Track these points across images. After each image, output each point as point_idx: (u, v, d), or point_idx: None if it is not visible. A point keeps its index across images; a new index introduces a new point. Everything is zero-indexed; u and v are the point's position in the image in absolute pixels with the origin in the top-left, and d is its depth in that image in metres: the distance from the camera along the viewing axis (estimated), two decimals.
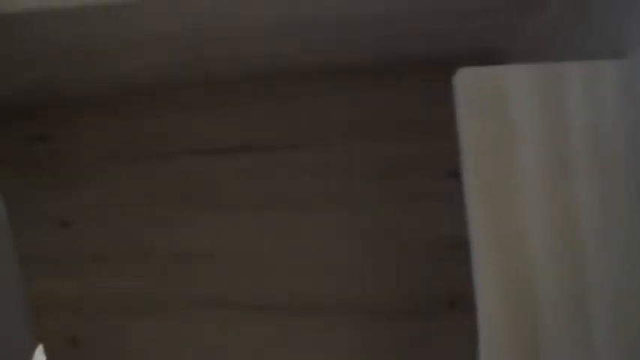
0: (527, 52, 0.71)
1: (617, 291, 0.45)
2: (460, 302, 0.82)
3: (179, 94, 0.85)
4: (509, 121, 0.46)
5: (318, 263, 0.84)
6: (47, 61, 0.67)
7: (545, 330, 0.45)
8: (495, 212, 0.46)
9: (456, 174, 0.84)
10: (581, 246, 0.45)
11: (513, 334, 0.44)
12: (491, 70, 0.47)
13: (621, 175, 0.46)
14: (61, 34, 0.59)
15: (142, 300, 0.85)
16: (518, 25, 0.67)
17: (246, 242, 0.84)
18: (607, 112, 0.46)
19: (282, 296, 0.84)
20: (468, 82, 0.47)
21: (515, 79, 0.46)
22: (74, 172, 0.86)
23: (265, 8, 0.57)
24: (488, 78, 0.47)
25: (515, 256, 0.45)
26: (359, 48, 0.74)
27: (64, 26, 0.57)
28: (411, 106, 0.84)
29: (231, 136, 0.85)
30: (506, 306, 0.45)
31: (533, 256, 0.45)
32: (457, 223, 0.83)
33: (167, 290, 0.85)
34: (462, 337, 0.82)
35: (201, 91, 0.85)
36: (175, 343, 0.84)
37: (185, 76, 0.80)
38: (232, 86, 0.84)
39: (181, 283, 0.84)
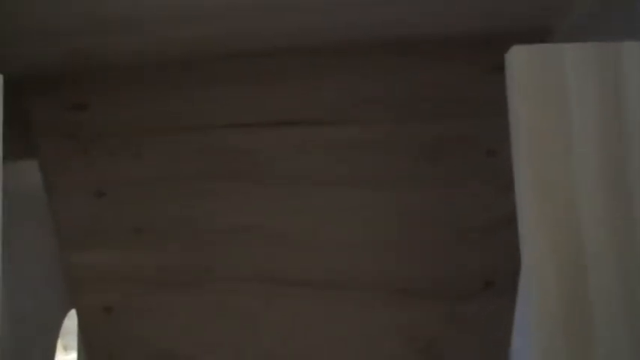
0: (575, 30, 0.70)
1: None
2: (496, 283, 0.82)
3: (220, 67, 0.84)
4: (565, 100, 0.45)
5: (356, 241, 0.83)
6: (90, 31, 0.67)
7: (597, 312, 0.44)
8: (547, 193, 0.45)
9: (493, 153, 0.83)
10: (636, 228, 0.44)
11: (566, 315, 0.44)
12: (546, 47, 0.46)
13: None
14: (105, 5, 0.59)
15: (178, 272, 0.85)
16: (567, 2, 0.66)
17: (286, 218, 0.84)
18: None
19: (319, 272, 0.84)
20: (521, 59, 0.46)
21: (572, 58, 0.45)
22: (111, 142, 0.85)
23: None
24: (544, 56, 0.46)
25: (568, 238, 0.45)
26: (406, 25, 0.74)
27: None
28: (448, 85, 0.83)
29: (274, 110, 0.84)
30: (557, 288, 0.44)
31: (586, 238, 0.44)
32: (494, 203, 0.82)
33: (205, 264, 0.85)
34: (497, 318, 0.82)
35: (244, 65, 0.84)
36: (211, 317, 0.85)
37: (228, 49, 0.79)
38: (277, 60, 0.84)
39: (218, 257, 0.85)
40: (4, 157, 0.59)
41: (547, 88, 0.45)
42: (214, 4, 0.63)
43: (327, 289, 0.84)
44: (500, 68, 0.75)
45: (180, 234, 0.85)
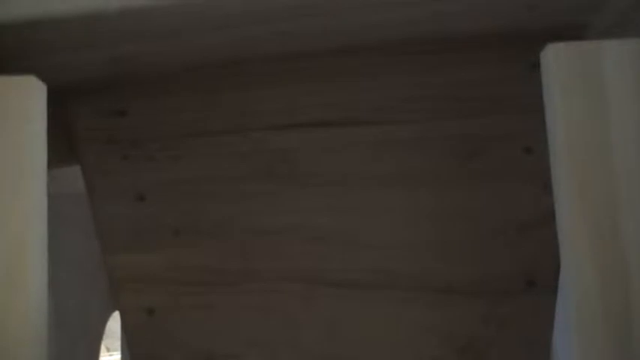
0: (610, 26, 0.69)
1: None
2: (537, 282, 0.81)
3: (258, 68, 0.85)
4: (602, 97, 0.45)
5: (394, 240, 0.84)
6: (129, 39, 0.68)
7: (639, 311, 0.44)
8: (587, 192, 0.45)
9: (530, 150, 0.82)
10: None
11: (606, 314, 0.44)
12: (581, 45, 0.46)
13: None
14: (142, 14, 0.60)
15: (220, 273, 0.86)
16: None
17: (324, 218, 0.85)
18: None
19: (357, 272, 0.84)
20: (557, 57, 0.46)
21: (610, 55, 0.45)
22: (150, 146, 0.87)
23: None
24: (579, 53, 0.46)
25: (607, 237, 0.44)
26: (440, 23, 0.73)
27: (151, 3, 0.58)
28: (485, 82, 0.83)
29: (311, 111, 0.85)
30: (597, 288, 0.44)
31: (625, 237, 0.44)
32: (532, 201, 0.82)
33: (244, 264, 0.86)
34: (538, 317, 0.81)
35: (281, 66, 0.85)
36: (251, 318, 0.86)
37: (265, 50, 0.80)
38: (311, 61, 0.84)
39: (258, 257, 0.85)
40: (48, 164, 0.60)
41: (583, 86, 0.45)
42: (246, 9, 0.64)
43: (365, 289, 0.84)
44: (536, 65, 0.75)
45: (220, 235, 0.86)
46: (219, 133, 0.86)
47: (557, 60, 0.45)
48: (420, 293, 0.83)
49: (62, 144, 0.87)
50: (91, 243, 0.93)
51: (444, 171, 0.83)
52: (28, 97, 0.55)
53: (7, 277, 0.52)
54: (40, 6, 0.60)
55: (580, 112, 0.45)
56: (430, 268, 0.83)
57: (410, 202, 0.83)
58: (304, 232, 0.85)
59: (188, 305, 0.87)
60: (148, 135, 0.87)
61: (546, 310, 0.81)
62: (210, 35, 0.71)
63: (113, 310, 1.14)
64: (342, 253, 0.85)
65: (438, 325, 0.83)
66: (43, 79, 0.58)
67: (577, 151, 0.45)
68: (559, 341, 0.80)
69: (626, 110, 0.44)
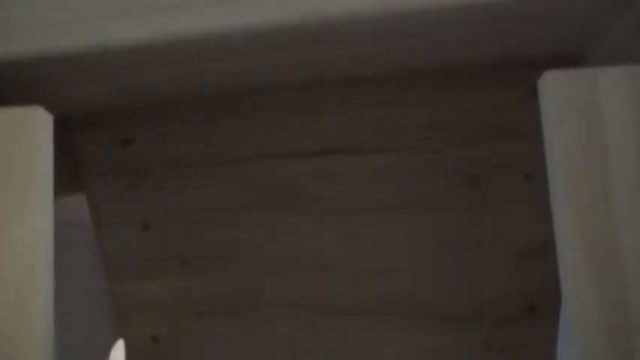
0: (606, 55, 0.70)
1: None
2: (539, 308, 0.81)
3: (264, 97, 0.86)
4: (600, 124, 0.45)
5: (396, 267, 0.84)
6: (140, 68, 0.69)
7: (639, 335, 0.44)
8: (586, 218, 0.45)
9: (530, 177, 0.83)
10: None
11: (607, 338, 0.44)
12: (579, 72, 0.47)
13: None
14: (149, 43, 0.61)
15: (224, 301, 0.86)
16: (603, 26, 0.66)
17: (328, 245, 0.85)
18: None
19: (362, 299, 0.84)
20: (555, 85, 0.47)
21: (607, 82, 0.45)
22: (156, 175, 0.87)
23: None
24: (576, 80, 0.46)
25: (608, 263, 0.45)
26: (442, 52, 0.74)
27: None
28: (487, 109, 0.84)
29: (315, 139, 0.86)
30: (598, 315, 0.44)
31: (626, 262, 0.45)
32: (533, 227, 0.82)
33: (249, 292, 0.86)
34: (539, 343, 0.81)
35: (287, 95, 0.86)
36: (255, 345, 0.86)
37: (271, 80, 0.81)
38: (316, 90, 0.85)
39: (263, 285, 0.86)
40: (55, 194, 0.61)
41: (581, 113, 0.46)
42: (251, 40, 0.65)
43: (368, 316, 0.84)
44: (537, 92, 0.75)
45: (226, 263, 0.86)
46: (224, 162, 0.87)
47: (555, 87, 0.46)
48: (423, 319, 0.83)
49: (68, 173, 0.88)
50: (94, 271, 0.93)
51: (445, 198, 0.83)
52: (35, 127, 0.56)
53: (13, 305, 0.53)
54: (46, 41, 0.61)
55: (578, 137, 0.45)
56: (433, 294, 0.83)
57: (413, 229, 0.84)
58: (309, 260, 0.85)
59: (193, 333, 0.87)
60: (154, 164, 0.88)
61: (549, 335, 0.81)
62: (216, 65, 0.72)
63: (117, 339, 1.13)
64: (346, 280, 0.85)
65: (441, 351, 0.83)
66: (50, 110, 0.59)
67: (575, 177, 0.45)
68: None
69: (623, 135, 0.45)
